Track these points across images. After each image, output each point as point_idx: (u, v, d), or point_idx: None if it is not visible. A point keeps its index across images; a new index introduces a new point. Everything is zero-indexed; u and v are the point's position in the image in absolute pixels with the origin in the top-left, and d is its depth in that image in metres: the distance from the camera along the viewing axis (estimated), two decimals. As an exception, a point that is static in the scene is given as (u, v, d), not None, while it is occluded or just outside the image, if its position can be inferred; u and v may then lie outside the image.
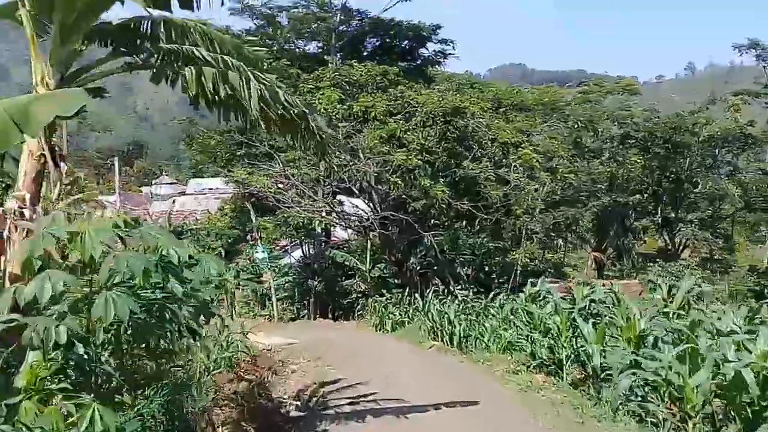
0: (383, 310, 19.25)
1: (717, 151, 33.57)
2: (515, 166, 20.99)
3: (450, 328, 13.93)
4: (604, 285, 12.09)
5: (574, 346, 9.23)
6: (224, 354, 8.37)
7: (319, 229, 24.39)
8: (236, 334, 9.83)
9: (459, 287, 18.91)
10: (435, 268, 22.04)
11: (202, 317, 4.81)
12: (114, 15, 5.61)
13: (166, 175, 62.15)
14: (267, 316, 22.84)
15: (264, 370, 10.57)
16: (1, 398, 3.58)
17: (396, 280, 22.54)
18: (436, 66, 30.04)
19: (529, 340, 10.31)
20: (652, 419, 6.76)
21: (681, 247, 34.40)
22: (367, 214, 22.37)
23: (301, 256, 26.29)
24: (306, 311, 24.36)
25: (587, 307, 10.10)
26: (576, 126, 29.62)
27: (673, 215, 33.86)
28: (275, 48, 28.35)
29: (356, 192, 21.93)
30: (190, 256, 4.62)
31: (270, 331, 16.05)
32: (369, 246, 22.78)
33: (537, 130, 25.35)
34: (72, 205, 5.47)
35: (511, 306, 14.10)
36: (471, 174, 20.68)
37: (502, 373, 9.92)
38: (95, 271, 3.87)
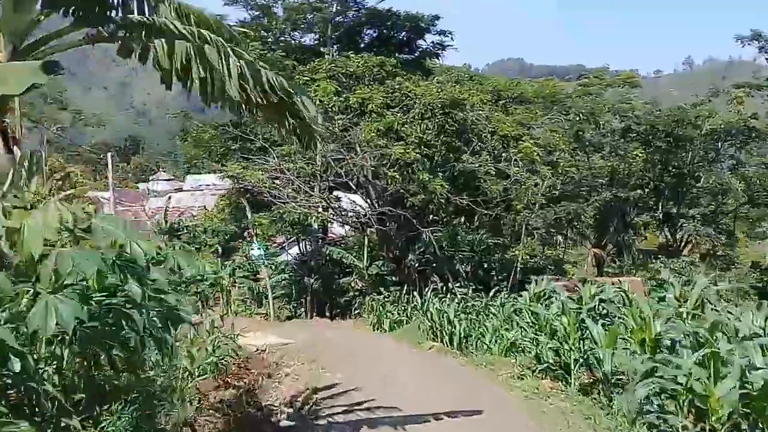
0: (381, 308, 18.82)
1: (720, 144, 33.01)
2: (515, 159, 20.52)
3: (450, 328, 13.44)
4: (613, 283, 11.56)
5: (583, 350, 8.68)
6: (210, 359, 7.80)
7: (315, 225, 23.90)
8: (224, 337, 9.30)
9: (458, 285, 18.43)
10: (434, 265, 21.60)
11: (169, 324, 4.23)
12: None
13: (164, 171, 61.70)
14: (263, 315, 22.49)
15: (255, 375, 10.04)
16: None
17: (394, 278, 22.13)
18: (435, 59, 29.51)
19: (534, 342, 9.76)
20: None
21: (683, 243, 33.91)
22: (364, 209, 21.93)
23: (297, 254, 25.85)
24: (303, 310, 23.97)
25: (596, 308, 9.55)
26: (578, 118, 29.09)
27: (674, 210, 33.35)
28: (270, 40, 27.86)
29: (353, 187, 21.49)
30: (158, 252, 4.03)
31: (266, 331, 15.62)
32: (366, 242, 22.31)
33: (537, 122, 24.87)
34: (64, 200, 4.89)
35: (513, 305, 13.65)
36: (470, 168, 20.27)
37: (506, 378, 9.37)
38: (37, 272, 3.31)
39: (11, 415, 3.05)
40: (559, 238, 34.28)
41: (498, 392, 8.72)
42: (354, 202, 22.64)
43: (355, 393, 8.55)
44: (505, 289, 18.05)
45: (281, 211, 22.09)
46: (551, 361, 9.18)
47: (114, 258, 3.58)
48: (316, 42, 28.47)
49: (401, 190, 19.50)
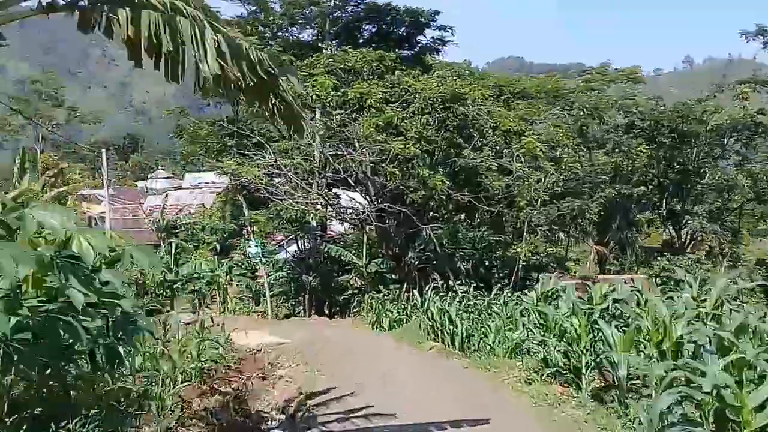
0: (380, 307, 18.35)
1: (725, 140, 32.50)
2: (518, 155, 20.00)
3: (451, 327, 12.92)
4: (626, 282, 11.02)
5: (595, 353, 8.15)
6: (193, 364, 7.28)
7: (313, 223, 23.44)
8: (215, 338, 8.79)
9: (459, 282, 17.95)
10: (434, 262, 21.15)
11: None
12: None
13: (162, 169, 61.30)
14: (261, 313, 22.14)
15: (246, 378, 9.53)
16: None
17: (393, 276, 21.68)
18: (435, 54, 28.94)
19: (542, 344, 9.22)
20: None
21: (688, 241, 33.42)
22: (363, 206, 21.46)
23: (296, 251, 25.40)
24: (301, 308, 23.56)
25: (609, 308, 9.01)
26: (582, 114, 28.56)
27: (678, 207, 32.86)
28: (267, 35, 27.35)
29: (352, 183, 21.01)
30: (111, 250, 3.46)
31: (263, 329, 15.23)
32: (365, 240, 21.82)
33: (540, 118, 24.33)
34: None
35: (517, 304, 13.14)
36: (471, 164, 19.80)
37: (513, 382, 8.85)
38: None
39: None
40: (561, 235, 33.83)
41: (505, 398, 8.19)
42: (353, 198, 22.17)
43: (351, 398, 8.04)
44: (507, 287, 17.60)
45: (278, 208, 21.66)
46: (561, 364, 8.64)
47: (52, 255, 3.01)
48: (314, 37, 27.94)
49: (401, 187, 19.06)
